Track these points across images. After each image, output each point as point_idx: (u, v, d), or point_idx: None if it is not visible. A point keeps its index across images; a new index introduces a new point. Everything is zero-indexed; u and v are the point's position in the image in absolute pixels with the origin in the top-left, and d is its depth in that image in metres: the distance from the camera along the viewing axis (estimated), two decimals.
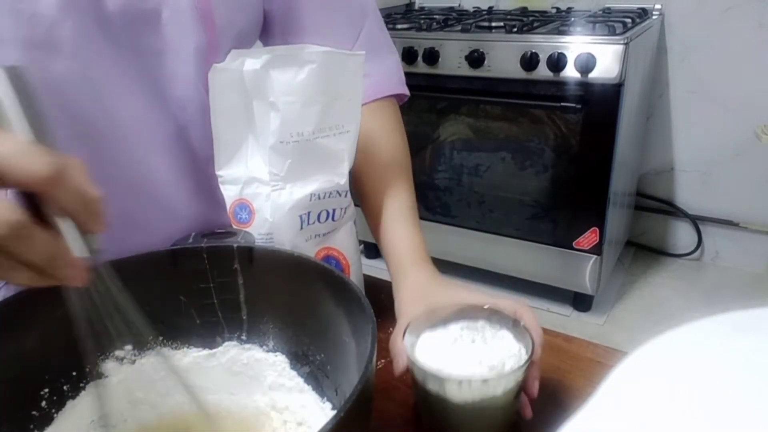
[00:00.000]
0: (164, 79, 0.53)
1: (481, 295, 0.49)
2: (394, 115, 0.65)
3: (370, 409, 0.35)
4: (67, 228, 0.29)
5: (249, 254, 0.46)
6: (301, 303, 0.45)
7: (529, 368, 0.43)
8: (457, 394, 0.41)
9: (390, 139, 0.63)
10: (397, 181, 0.60)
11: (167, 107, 0.54)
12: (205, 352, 0.48)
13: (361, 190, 0.61)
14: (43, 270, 0.29)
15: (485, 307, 0.46)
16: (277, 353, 0.47)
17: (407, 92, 0.67)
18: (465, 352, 0.44)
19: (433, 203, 1.89)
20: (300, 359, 0.45)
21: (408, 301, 0.51)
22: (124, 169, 0.53)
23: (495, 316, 0.46)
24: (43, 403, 0.42)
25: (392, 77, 0.65)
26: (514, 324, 0.45)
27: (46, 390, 0.42)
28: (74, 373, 0.43)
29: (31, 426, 0.41)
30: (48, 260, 0.29)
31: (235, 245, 0.46)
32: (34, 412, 0.42)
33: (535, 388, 0.43)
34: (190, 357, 0.47)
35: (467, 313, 0.46)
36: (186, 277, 0.47)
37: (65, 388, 0.43)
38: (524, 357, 0.42)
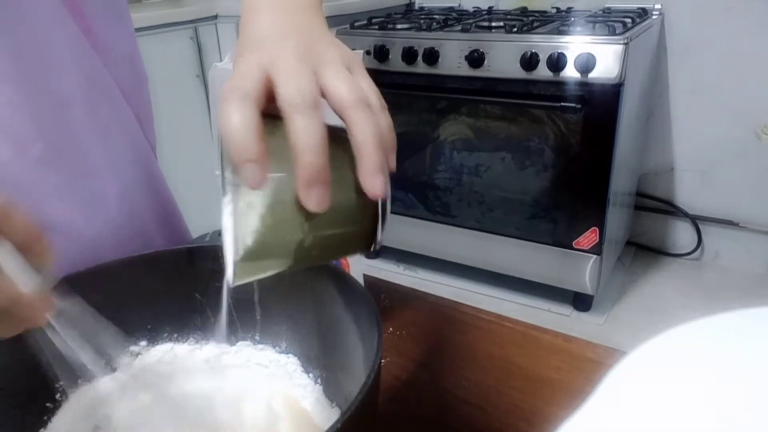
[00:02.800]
0: (23, 31, 0.45)
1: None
2: None
3: (376, 414, 0.35)
4: (12, 268, 0.28)
5: None
6: (314, 305, 0.45)
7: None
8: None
9: None
10: None
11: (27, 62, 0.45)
12: (219, 350, 0.48)
13: None
14: (8, 314, 0.28)
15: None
16: (290, 355, 0.47)
17: None
18: None
19: (433, 203, 1.89)
20: (311, 362, 0.46)
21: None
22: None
23: None
24: (58, 395, 0.43)
25: None
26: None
27: (61, 383, 0.43)
28: (89, 368, 0.44)
29: (45, 417, 0.42)
30: (11, 303, 0.28)
31: None
32: (48, 404, 0.42)
33: (369, 179, 0.30)
34: (204, 355, 0.48)
35: None
36: (202, 276, 0.47)
37: (79, 381, 0.44)
38: None
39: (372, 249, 0.34)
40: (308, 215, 0.30)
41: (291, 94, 0.29)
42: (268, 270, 0.32)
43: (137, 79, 0.59)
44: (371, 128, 0.30)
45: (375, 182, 0.30)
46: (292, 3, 0.37)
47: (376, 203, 0.32)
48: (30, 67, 0.46)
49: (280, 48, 0.31)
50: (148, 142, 0.58)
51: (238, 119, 0.28)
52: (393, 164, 0.31)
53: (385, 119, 0.31)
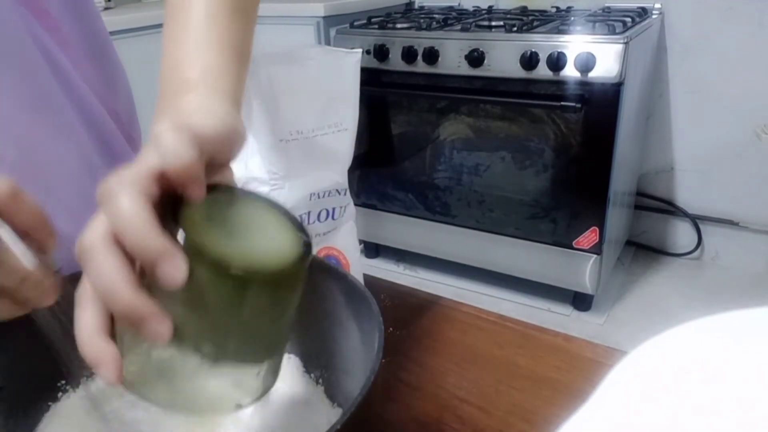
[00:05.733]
0: None
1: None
2: None
3: (374, 415, 0.35)
4: (19, 248, 0.29)
5: None
6: (315, 306, 0.45)
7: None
8: None
9: None
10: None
11: None
12: None
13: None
14: (15, 293, 0.29)
15: None
16: (291, 355, 0.47)
17: None
18: None
19: (433, 203, 1.89)
20: (313, 362, 0.46)
21: None
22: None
23: None
24: (59, 394, 0.43)
25: None
26: None
27: (63, 381, 0.43)
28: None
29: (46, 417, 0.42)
30: (21, 281, 0.28)
31: None
32: (50, 403, 0.43)
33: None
34: None
35: None
36: None
37: (81, 380, 0.43)
38: None
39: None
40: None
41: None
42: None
43: (111, 75, 0.58)
44: (95, 280, 0.27)
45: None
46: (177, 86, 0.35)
47: None
48: None
49: None
50: (130, 138, 0.58)
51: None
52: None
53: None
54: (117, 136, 0.56)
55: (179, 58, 0.36)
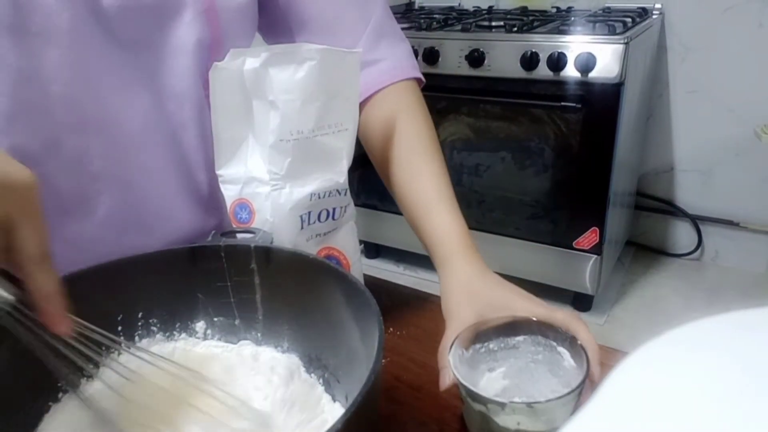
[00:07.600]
0: (162, 75, 0.52)
1: (530, 302, 0.48)
2: (415, 95, 0.62)
3: (376, 414, 0.35)
4: None
5: (266, 254, 0.46)
6: (316, 306, 0.45)
7: (583, 390, 0.40)
8: (502, 417, 0.39)
9: (414, 117, 0.60)
10: (429, 162, 0.57)
11: (164, 104, 0.53)
12: (220, 349, 0.48)
13: (390, 176, 0.60)
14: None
15: (534, 319, 0.46)
16: (291, 355, 0.47)
17: (422, 78, 0.65)
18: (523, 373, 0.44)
19: None
20: (314, 362, 0.46)
21: (455, 303, 0.49)
22: (115, 165, 0.52)
23: (550, 332, 0.46)
24: (60, 394, 0.43)
25: (406, 61, 0.63)
26: (570, 342, 0.44)
27: (63, 382, 0.43)
28: (91, 366, 0.44)
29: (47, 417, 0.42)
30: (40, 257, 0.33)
31: (252, 245, 0.46)
32: (50, 403, 0.43)
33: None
34: (206, 353, 0.48)
35: (519, 327, 0.46)
36: (204, 275, 0.47)
37: (81, 380, 0.44)
38: (578, 380, 0.40)
39: None
40: None
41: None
42: None
43: None
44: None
45: None
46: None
47: None
48: (158, 90, 0.52)
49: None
50: None
51: None
52: None
53: None
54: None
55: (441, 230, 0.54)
